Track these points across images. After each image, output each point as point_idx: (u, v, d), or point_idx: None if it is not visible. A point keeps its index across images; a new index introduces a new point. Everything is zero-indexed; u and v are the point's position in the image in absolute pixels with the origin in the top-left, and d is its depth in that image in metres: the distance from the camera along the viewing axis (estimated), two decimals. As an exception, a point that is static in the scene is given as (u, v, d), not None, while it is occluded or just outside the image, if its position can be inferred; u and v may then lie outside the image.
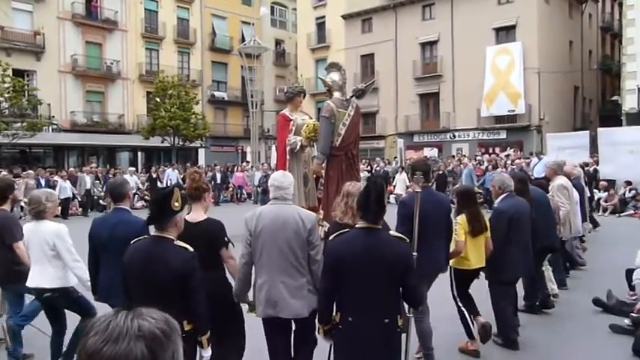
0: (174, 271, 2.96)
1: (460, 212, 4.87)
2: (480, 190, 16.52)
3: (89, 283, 4.23)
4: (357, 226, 3.11)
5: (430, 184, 4.81)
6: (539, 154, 19.72)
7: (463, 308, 4.92)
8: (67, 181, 17.77)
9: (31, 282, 4.40)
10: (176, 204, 3.06)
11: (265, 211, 3.65)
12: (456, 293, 4.97)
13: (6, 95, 22.73)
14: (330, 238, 3.14)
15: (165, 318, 1.07)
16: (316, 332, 3.34)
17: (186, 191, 4.04)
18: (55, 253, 4.32)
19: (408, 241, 3.17)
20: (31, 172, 18.06)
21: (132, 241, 3.22)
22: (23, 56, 28.23)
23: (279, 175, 3.82)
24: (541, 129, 28.36)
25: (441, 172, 18.47)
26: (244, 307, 3.94)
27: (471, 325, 4.88)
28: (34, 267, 4.42)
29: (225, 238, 3.92)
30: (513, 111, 29.15)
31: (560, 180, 7.04)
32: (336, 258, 3.01)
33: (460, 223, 4.77)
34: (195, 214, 3.88)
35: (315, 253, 3.62)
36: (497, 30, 30.12)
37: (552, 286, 6.55)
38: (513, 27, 29.43)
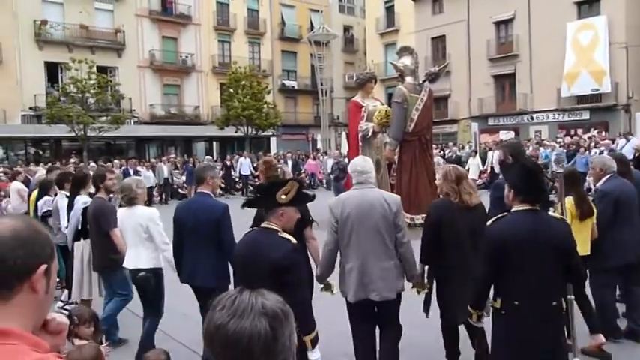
0: (272, 262, 2.93)
1: (566, 195, 4.42)
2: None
3: (174, 265, 4.45)
4: (514, 209, 3.05)
5: None
6: (628, 134, 18.44)
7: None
8: (150, 171, 18.76)
9: (128, 263, 4.69)
10: (283, 197, 3.03)
11: (351, 197, 3.73)
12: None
13: (92, 91, 24.32)
14: (489, 223, 3.12)
15: (282, 300, 1.11)
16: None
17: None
18: (148, 235, 4.58)
19: (567, 221, 3.16)
20: (116, 162, 19.65)
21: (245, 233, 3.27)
22: (106, 53, 29.80)
23: (360, 160, 3.92)
24: (629, 108, 26.48)
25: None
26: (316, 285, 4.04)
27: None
28: (130, 250, 4.69)
29: (310, 218, 4.08)
30: (597, 90, 27.32)
31: None
32: (500, 242, 2.97)
33: (567, 207, 4.33)
34: None
35: (401, 236, 3.70)
36: (579, 4, 28.28)
37: None
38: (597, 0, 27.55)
